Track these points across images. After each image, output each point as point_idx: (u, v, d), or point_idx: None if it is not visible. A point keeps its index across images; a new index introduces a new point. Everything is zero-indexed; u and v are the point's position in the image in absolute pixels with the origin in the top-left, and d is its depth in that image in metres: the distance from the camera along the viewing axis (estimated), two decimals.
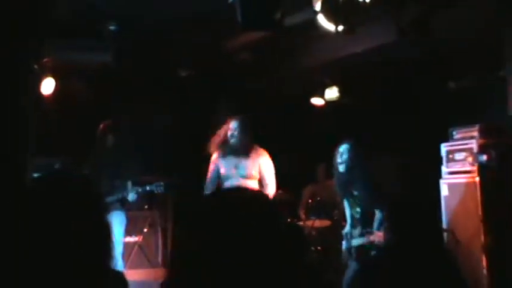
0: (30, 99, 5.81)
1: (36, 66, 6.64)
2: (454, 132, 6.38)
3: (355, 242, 5.53)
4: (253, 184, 5.70)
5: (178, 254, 1.36)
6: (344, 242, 5.66)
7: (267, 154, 5.82)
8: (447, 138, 6.42)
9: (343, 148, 5.56)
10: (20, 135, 5.51)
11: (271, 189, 5.76)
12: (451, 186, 6.24)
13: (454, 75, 7.06)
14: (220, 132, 5.85)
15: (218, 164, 5.84)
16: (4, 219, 1.62)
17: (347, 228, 5.72)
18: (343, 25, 4.99)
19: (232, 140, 5.74)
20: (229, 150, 5.77)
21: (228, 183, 5.73)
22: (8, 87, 5.38)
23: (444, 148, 6.39)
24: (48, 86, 6.88)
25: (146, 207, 7.86)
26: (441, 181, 6.36)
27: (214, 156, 5.88)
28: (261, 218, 1.31)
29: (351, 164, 5.48)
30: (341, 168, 5.54)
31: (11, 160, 5.29)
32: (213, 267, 1.25)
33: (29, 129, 5.74)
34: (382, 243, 5.20)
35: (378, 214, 5.38)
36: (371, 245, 5.37)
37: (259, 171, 5.75)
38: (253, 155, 5.75)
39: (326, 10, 5.01)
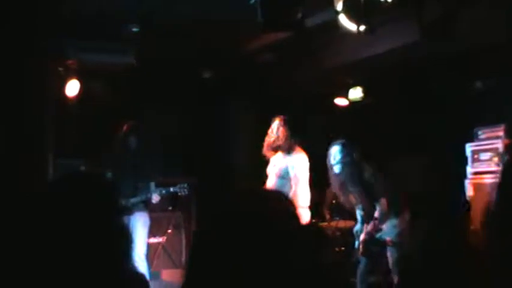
0: (46, 99, 5.82)
1: (61, 69, 6.72)
2: (480, 132, 6.30)
3: (362, 237, 5.60)
4: (282, 183, 5.67)
5: (192, 252, 1.37)
6: (356, 240, 5.71)
7: (305, 155, 5.78)
8: (472, 138, 6.34)
9: (335, 149, 5.55)
10: (35, 135, 5.53)
11: (300, 191, 5.64)
12: (476, 187, 6.17)
13: (478, 74, 6.98)
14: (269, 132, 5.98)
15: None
16: (17, 218, 1.64)
17: (357, 226, 5.75)
18: (365, 25, 4.95)
19: (271, 140, 5.82)
20: (271, 149, 5.88)
21: (267, 182, 5.83)
22: (22, 87, 5.40)
23: (469, 148, 6.32)
24: (72, 88, 6.95)
25: (170, 208, 7.90)
26: (466, 181, 6.28)
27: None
28: (272, 217, 1.31)
29: (345, 163, 5.49)
30: (336, 169, 5.55)
31: (24, 159, 5.31)
32: (224, 265, 1.25)
33: (46, 129, 5.75)
34: (372, 234, 5.30)
35: (377, 208, 5.43)
36: (371, 238, 5.45)
37: (289, 172, 5.72)
38: (287, 154, 5.77)
39: (347, 10, 4.97)
